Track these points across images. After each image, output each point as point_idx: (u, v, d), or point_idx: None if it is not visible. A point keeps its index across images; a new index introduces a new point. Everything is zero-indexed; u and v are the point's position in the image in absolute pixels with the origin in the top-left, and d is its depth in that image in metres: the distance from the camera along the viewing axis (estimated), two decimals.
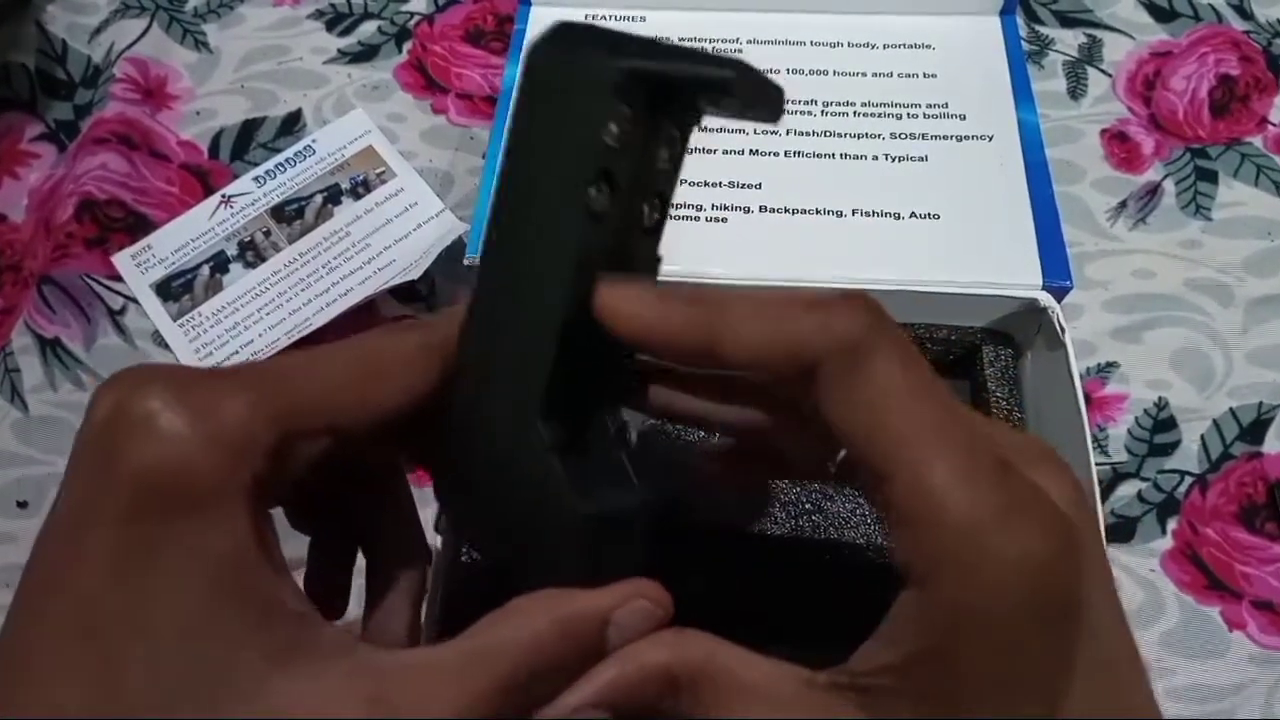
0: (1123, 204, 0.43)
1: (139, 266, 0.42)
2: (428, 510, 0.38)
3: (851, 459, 0.19)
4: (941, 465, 0.17)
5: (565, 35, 0.20)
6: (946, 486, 0.17)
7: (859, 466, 0.18)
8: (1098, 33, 0.48)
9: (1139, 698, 0.19)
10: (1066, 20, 0.48)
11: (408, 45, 0.48)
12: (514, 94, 0.20)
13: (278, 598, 0.18)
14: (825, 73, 0.43)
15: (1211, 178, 0.44)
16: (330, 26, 0.49)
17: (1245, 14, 0.48)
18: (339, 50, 0.48)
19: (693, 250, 0.37)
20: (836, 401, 0.18)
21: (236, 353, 0.40)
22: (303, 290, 0.40)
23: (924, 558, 0.17)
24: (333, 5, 0.50)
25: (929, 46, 0.43)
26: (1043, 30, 0.48)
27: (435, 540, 0.31)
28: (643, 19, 0.45)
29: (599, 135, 0.19)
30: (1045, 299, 0.35)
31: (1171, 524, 0.37)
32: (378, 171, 0.45)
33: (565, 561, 0.20)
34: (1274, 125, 0.45)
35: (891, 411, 0.18)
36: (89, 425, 0.17)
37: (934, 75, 0.42)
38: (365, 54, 0.48)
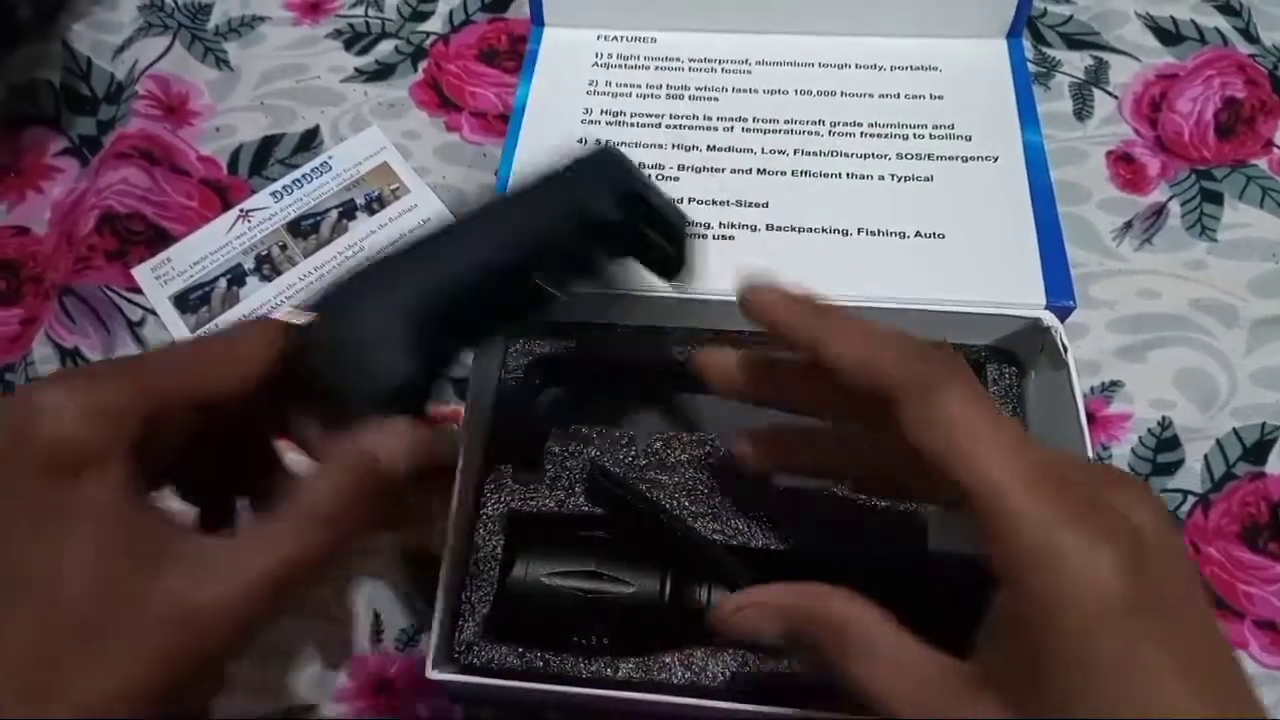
0: (1128, 224, 0.44)
1: (158, 279, 0.43)
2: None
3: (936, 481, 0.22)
4: (1029, 480, 0.20)
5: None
6: (1035, 497, 0.20)
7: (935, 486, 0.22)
8: (1104, 55, 0.48)
9: (1237, 697, 0.20)
10: (1073, 43, 0.49)
11: (423, 64, 0.49)
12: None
13: (155, 529, 0.22)
14: (833, 94, 0.43)
15: (1217, 199, 0.44)
16: (348, 46, 0.50)
17: (1251, 38, 0.48)
18: (356, 69, 0.49)
19: (699, 268, 0.38)
20: (922, 423, 0.22)
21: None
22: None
23: (1001, 564, 0.20)
24: (351, 25, 0.51)
25: (936, 69, 0.44)
26: (1049, 52, 0.49)
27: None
28: (653, 40, 0.46)
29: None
30: (1048, 318, 0.35)
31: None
32: (392, 188, 0.45)
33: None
34: (1279, 148, 0.45)
35: (979, 435, 0.21)
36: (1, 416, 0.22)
37: (940, 97, 0.43)
38: (382, 73, 0.49)
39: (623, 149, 0.42)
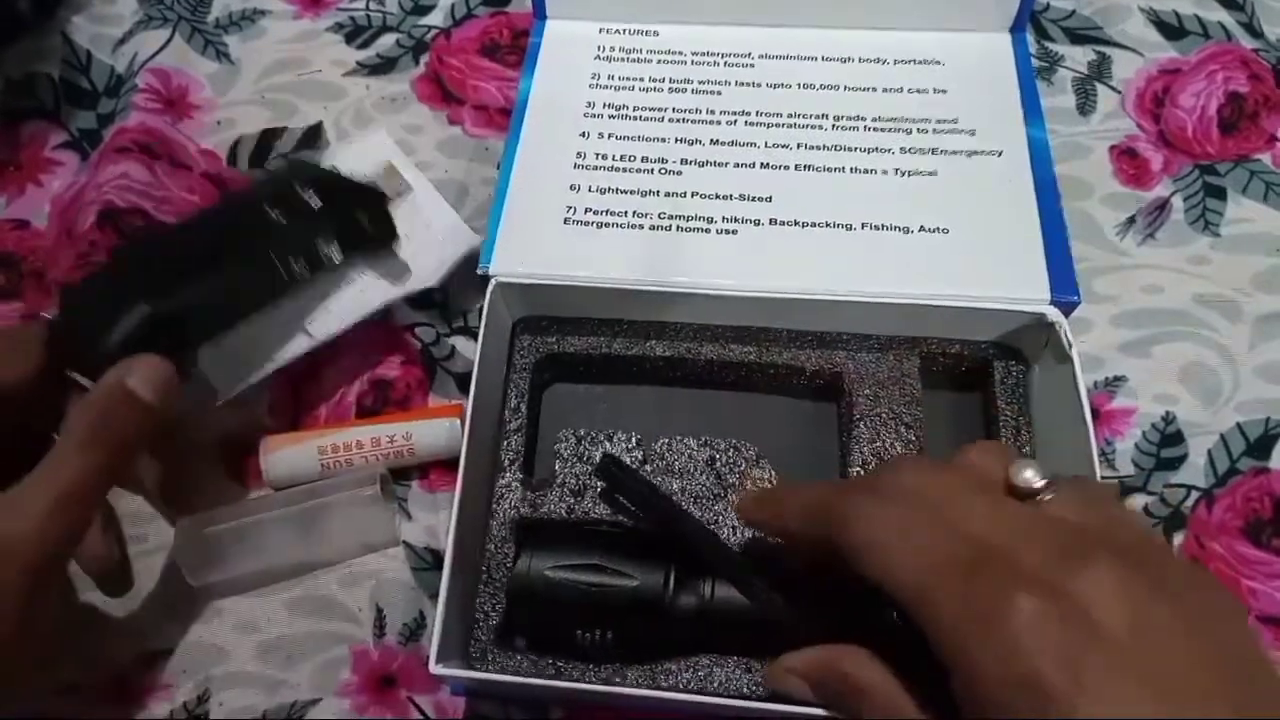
0: (1131, 219, 0.44)
1: None
2: (439, 516, 0.38)
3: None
4: (914, 586, 0.23)
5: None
6: (925, 602, 0.23)
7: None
8: (1107, 50, 0.48)
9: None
10: (1076, 37, 0.49)
11: (425, 58, 0.49)
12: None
13: None
14: (836, 88, 0.43)
15: (1220, 194, 0.44)
16: (350, 39, 0.50)
17: (1255, 32, 0.48)
18: (358, 63, 0.49)
19: (701, 262, 0.38)
20: (847, 560, 0.25)
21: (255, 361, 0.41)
22: (321, 299, 0.40)
23: (944, 655, 0.22)
24: (352, 19, 0.50)
25: (939, 63, 0.44)
26: (1053, 47, 0.49)
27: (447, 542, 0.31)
28: (656, 33, 0.46)
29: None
30: (1053, 314, 0.35)
31: (1178, 538, 0.38)
32: (397, 189, 0.45)
33: None
34: None
35: (875, 556, 0.24)
36: None
37: (944, 91, 0.43)
38: (383, 66, 0.49)
39: (625, 142, 0.42)
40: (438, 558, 0.37)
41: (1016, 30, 0.44)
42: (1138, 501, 0.38)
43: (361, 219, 0.39)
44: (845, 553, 0.25)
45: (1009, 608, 0.21)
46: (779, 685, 0.28)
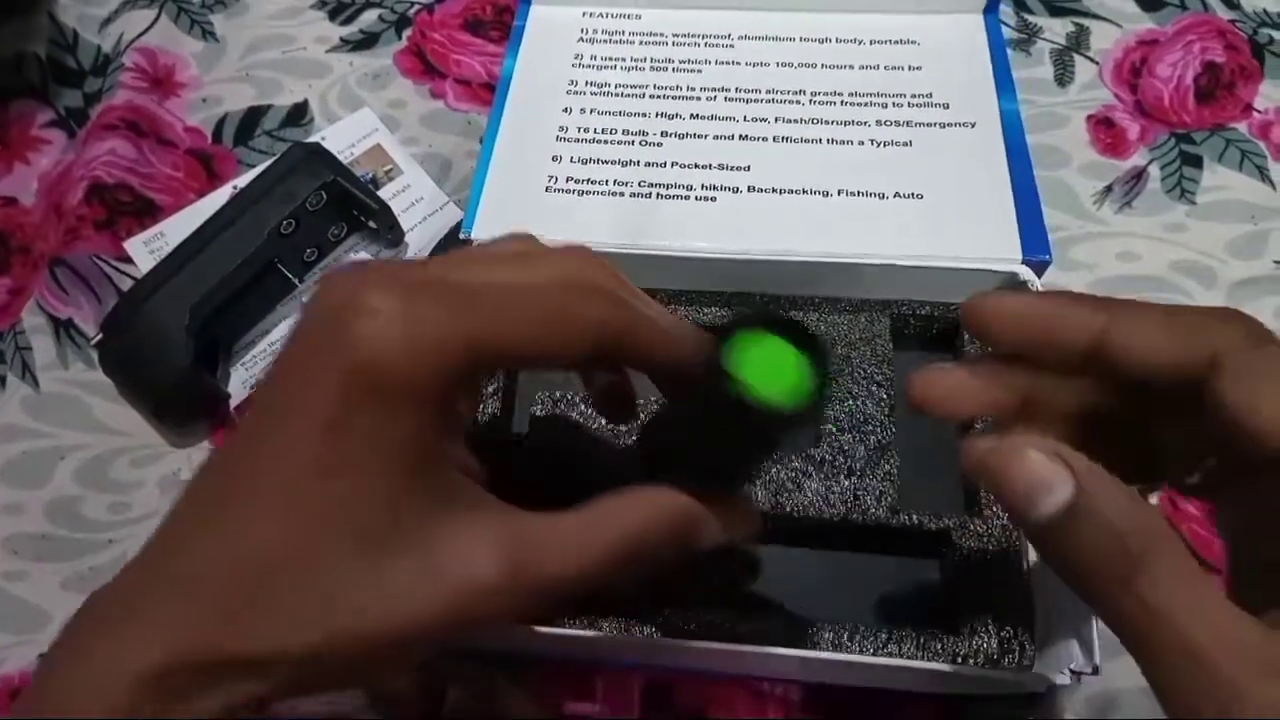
0: (1108, 188, 0.44)
1: (152, 253, 0.44)
2: None
3: (1246, 446, 0.19)
4: None
5: None
6: None
7: (1253, 453, 0.19)
8: (1085, 21, 0.49)
9: None
10: (1054, 9, 0.49)
11: (407, 32, 0.50)
12: None
13: (449, 474, 0.21)
14: (813, 66, 0.44)
15: (1196, 163, 0.45)
16: (333, 15, 0.50)
17: (1231, 3, 0.48)
18: (341, 39, 0.49)
19: (680, 227, 0.38)
20: (1249, 389, 0.19)
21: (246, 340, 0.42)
22: (312, 280, 0.41)
23: None
24: None
25: (914, 42, 0.44)
26: (1031, 19, 0.49)
27: None
28: (638, 16, 0.46)
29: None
30: (1025, 273, 0.35)
31: (1153, 498, 0.38)
32: (385, 169, 0.46)
33: None
34: (1258, 112, 0.46)
35: None
36: (320, 306, 0.20)
37: (919, 68, 0.43)
38: (366, 42, 0.49)
39: (607, 117, 0.43)
40: None
41: (989, 12, 0.45)
42: None
43: (366, 220, 0.42)
44: (1245, 386, 0.19)
45: None
46: (1012, 465, 0.20)
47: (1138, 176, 0.44)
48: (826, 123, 0.42)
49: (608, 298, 0.21)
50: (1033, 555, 0.32)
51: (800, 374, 0.22)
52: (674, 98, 0.43)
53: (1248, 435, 0.19)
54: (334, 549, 0.19)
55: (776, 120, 0.42)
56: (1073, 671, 0.28)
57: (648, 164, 0.41)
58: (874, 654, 0.30)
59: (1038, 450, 0.19)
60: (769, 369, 0.22)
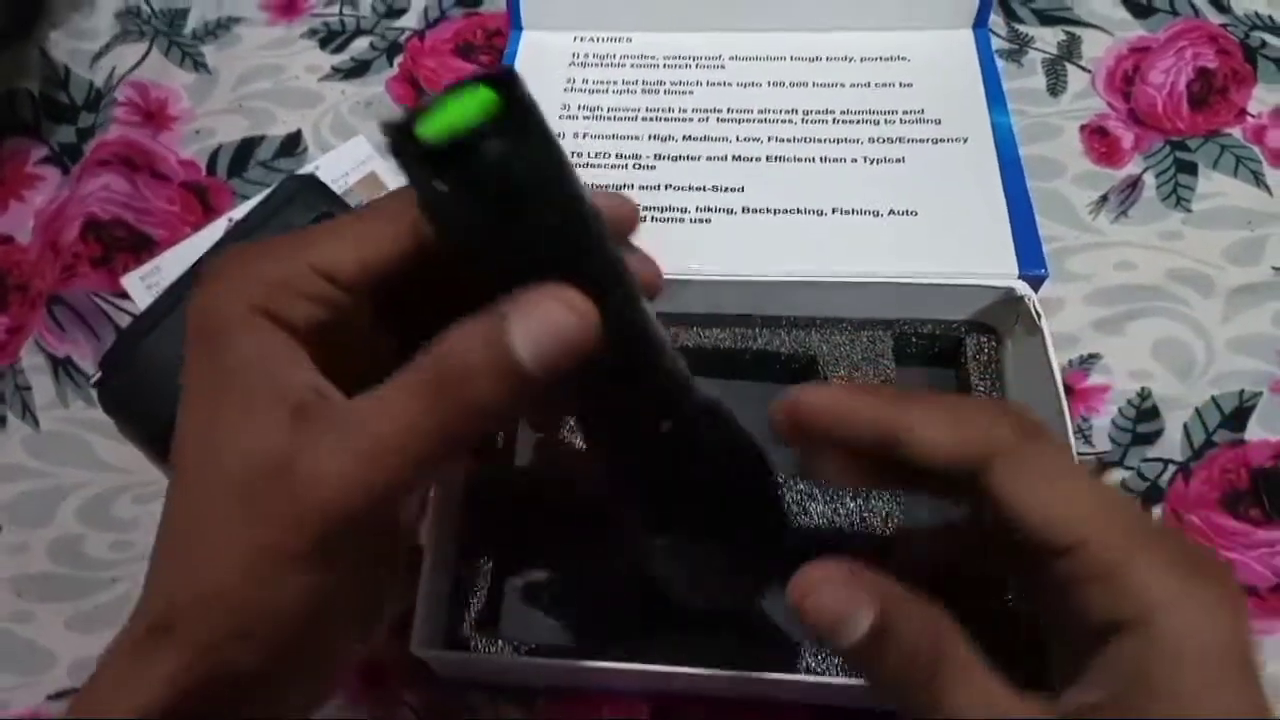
0: (1104, 198, 0.44)
1: (149, 288, 0.44)
2: None
3: (1018, 538, 0.21)
4: (1134, 532, 0.21)
5: None
6: (1146, 548, 0.20)
7: (1025, 544, 0.21)
8: (1076, 30, 0.49)
9: None
10: (1045, 18, 0.49)
11: (399, 59, 0.50)
12: None
13: (293, 380, 0.21)
14: (805, 84, 0.44)
15: (1191, 169, 0.45)
16: (324, 44, 0.50)
17: (1222, 7, 0.48)
18: (332, 67, 0.50)
19: (677, 249, 0.38)
20: (1018, 484, 0.21)
21: None
22: None
23: (1134, 607, 0.20)
24: (326, 24, 0.51)
25: (904, 59, 0.44)
26: (1022, 29, 0.49)
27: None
28: (629, 40, 0.46)
29: None
30: (1021, 288, 0.35)
31: (1156, 512, 0.38)
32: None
33: None
34: (1252, 116, 0.46)
35: (1076, 490, 0.21)
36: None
37: (910, 85, 0.43)
38: (357, 70, 0.49)
39: (599, 141, 0.43)
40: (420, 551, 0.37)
41: (978, 26, 0.45)
42: (1116, 476, 0.39)
43: None
44: (1013, 486, 0.21)
45: (1227, 580, 0.21)
46: (815, 608, 0.21)
47: (1133, 185, 0.44)
48: (819, 141, 0.42)
49: (404, 201, 0.22)
50: None
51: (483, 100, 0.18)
52: (666, 120, 0.43)
53: (1021, 526, 0.21)
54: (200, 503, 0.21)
55: (769, 140, 0.42)
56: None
57: (641, 187, 0.41)
58: None
59: (837, 583, 0.21)
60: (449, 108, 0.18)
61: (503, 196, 0.18)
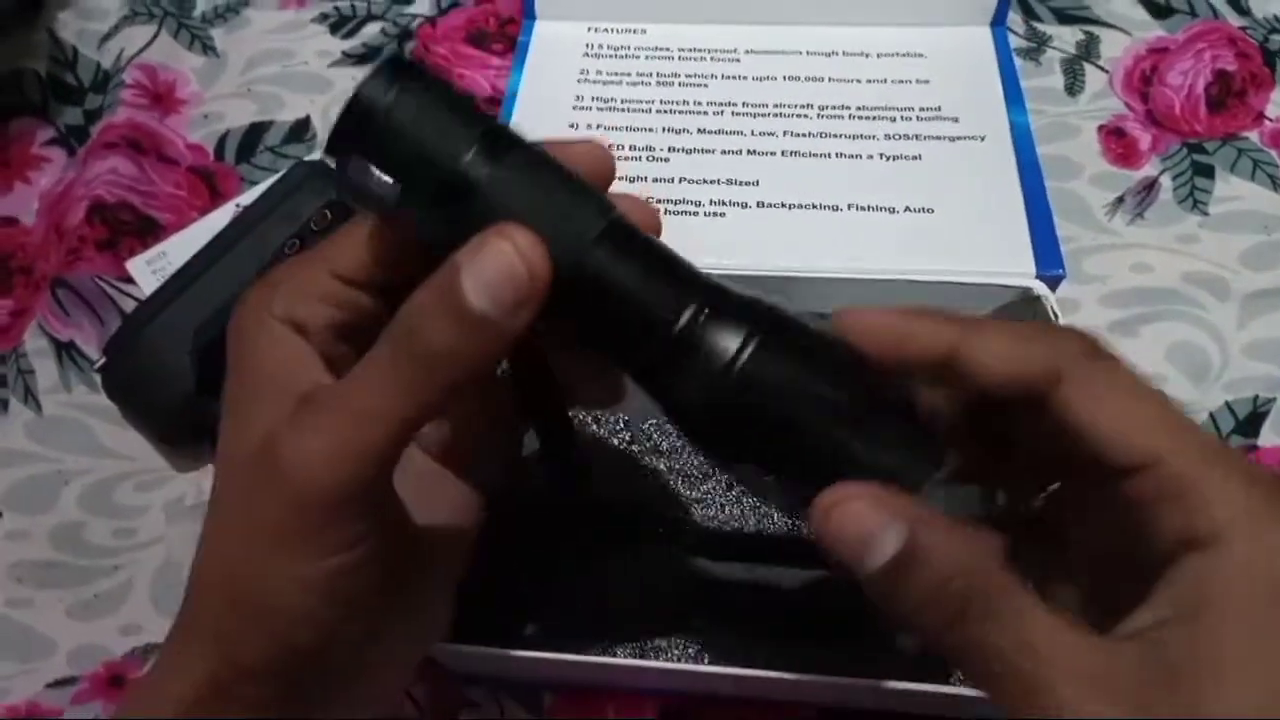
0: (1120, 199, 0.44)
1: (155, 273, 0.43)
2: None
3: (1087, 457, 0.20)
4: (1208, 451, 0.20)
5: None
6: (1220, 466, 0.19)
7: (1094, 463, 0.20)
8: (1095, 29, 0.48)
9: None
10: (1064, 17, 0.49)
11: (410, 46, 0.49)
12: None
13: (304, 379, 0.22)
14: (821, 79, 0.43)
15: (1208, 173, 0.44)
16: (334, 29, 0.50)
17: (1241, 9, 0.48)
18: (343, 53, 0.49)
19: (690, 243, 0.38)
20: (1090, 401, 0.20)
21: None
22: None
23: (1207, 525, 0.19)
24: (337, 9, 0.50)
25: (921, 55, 0.44)
26: (1040, 27, 0.48)
27: None
28: (643, 31, 0.46)
29: None
30: (1039, 287, 0.35)
31: None
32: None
33: None
34: (1270, 120, 0.45)
35: (1150, 408, 0.20)
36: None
37: (927, 82, 0.43)
38: (368, 56, 0.49)
39: (613, 133, 0.42)
40: None
41: (996, 24, 0.44)
42: None
43: None
44: (1086, 398, 0.20)
45: None
46: (835, 529, 0.20)
47: (1149, 187, 0.44)
48: (835, 137, 0.41)
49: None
50: None
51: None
52: (681, 112, 0.43)
53: (1087, 445, 0.20)
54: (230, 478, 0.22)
55: (785, 135, 0.41)
56: None
57: (655, 179, 0.40)
58: (893, 677, 0.30)
59: (864, 501, 0.19)
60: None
61: (397, 147, 0.20)
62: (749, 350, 0.20)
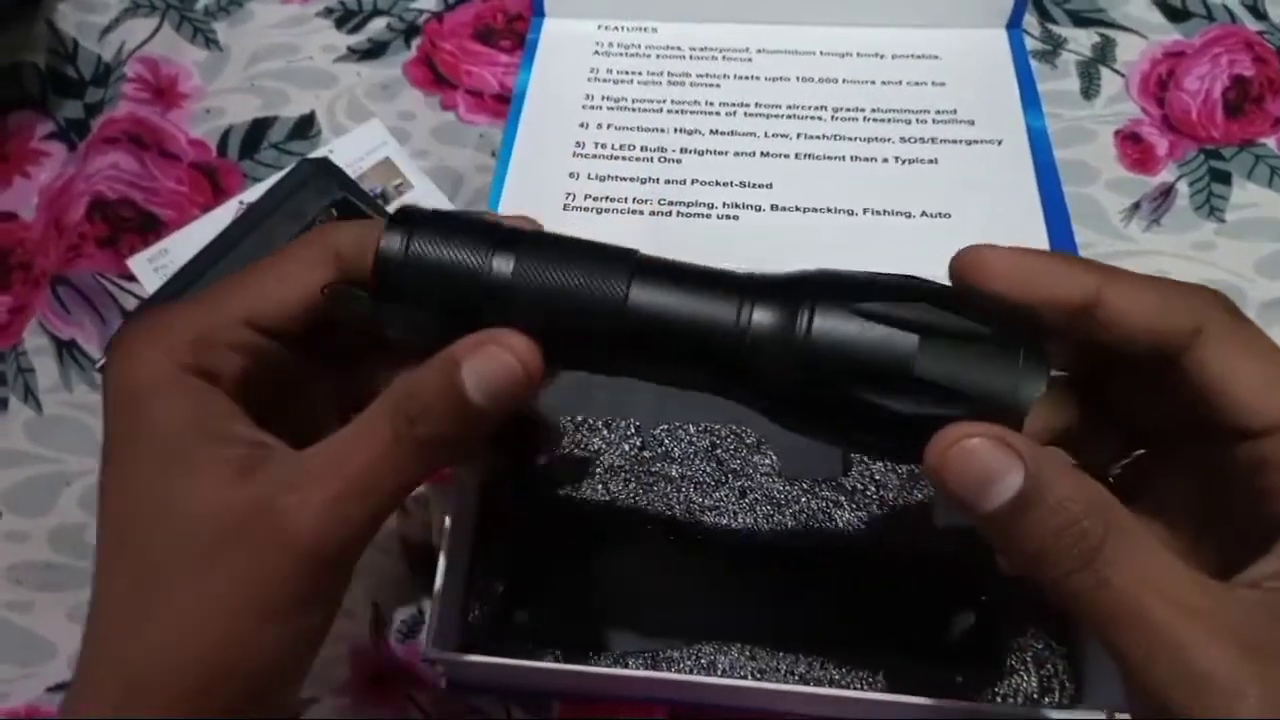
0: (1136, 205, 0.43)
1: (156, 271, 0.42)
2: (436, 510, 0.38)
3: (1216, 416, 0.20)
4: None
5: None
6: None
7: (1222, 422, 0.20)
8: (1111, 32, 0.48)
9: None
10: (1080, 20, 0.48)
11: (417, 42, 0.48)
12: None
13: (230, 435, 0.22)
14: (834, 80, 0.43)
15: (1225, 179, 0.44)
16: (340, 24, 0.49)
17: (1259, 14, 0.48)
18: (349, 48, 0.48)
19: (702, 247, 0.37)
20: (1227, 362, 0.20)
21: None
22: None
23: None
24: (342, 3, 0.50)
25: (936, 57, 0.44)
26: (1056, 30, 0.48)
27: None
28: (654, 30, 0.45)
29: None
30: None
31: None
32: (395, 184, 0.44)
33: None
34: None
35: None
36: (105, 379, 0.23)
37: (942, 84, 0.42)
38: (374, 51, 0.48)
39: (624, 132, 0.42)
40: (435, 553, 0.37)
41: (1012, 26, 0.44)
42: None
43: None
44: (1224, 356, 0.20)
45: None
46: (956, 467, 0.19)
47: (1166, 193, 0.43)
48: (849, 139, 0.41)
49: (317, 243, 0.24)
50: None
51: None
52: (693, 113, 0.42)
53: (1226, 403, 0.20)
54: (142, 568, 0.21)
55: (798, 137, 0.41)
56: (1117, 712, 0.27)
57: (667, 181, 0.40)
58: (908, 692, 0.29)
59: (984, 440, 0.19)
60: None
61: (427, 283, 0.22)
62: (805, 317, 0.21)
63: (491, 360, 0.21)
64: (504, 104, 0.45)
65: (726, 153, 0.40)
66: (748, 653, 0.31)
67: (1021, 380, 0.20)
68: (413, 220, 0.22)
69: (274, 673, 0.22)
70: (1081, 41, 0.47)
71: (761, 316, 0.21)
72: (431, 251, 0.22)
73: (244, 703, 0.21)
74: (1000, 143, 0.40)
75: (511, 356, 0.21)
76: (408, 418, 0.21)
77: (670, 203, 0.39)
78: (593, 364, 0.23)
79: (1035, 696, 0.30)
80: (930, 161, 0.40)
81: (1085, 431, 0.25)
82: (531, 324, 0.22)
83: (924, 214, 0.38)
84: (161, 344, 0.22)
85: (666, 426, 0.35)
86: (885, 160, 0.40)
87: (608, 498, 0.34)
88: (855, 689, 0.30)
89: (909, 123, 0.41)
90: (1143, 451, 0.25)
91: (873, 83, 0.43)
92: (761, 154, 0.40)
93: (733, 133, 0.41)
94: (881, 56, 0.44)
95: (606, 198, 0.39)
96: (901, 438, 0.21)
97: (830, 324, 0.21)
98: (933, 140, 0.40)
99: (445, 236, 0.22)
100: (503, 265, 0.22)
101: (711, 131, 0.41)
